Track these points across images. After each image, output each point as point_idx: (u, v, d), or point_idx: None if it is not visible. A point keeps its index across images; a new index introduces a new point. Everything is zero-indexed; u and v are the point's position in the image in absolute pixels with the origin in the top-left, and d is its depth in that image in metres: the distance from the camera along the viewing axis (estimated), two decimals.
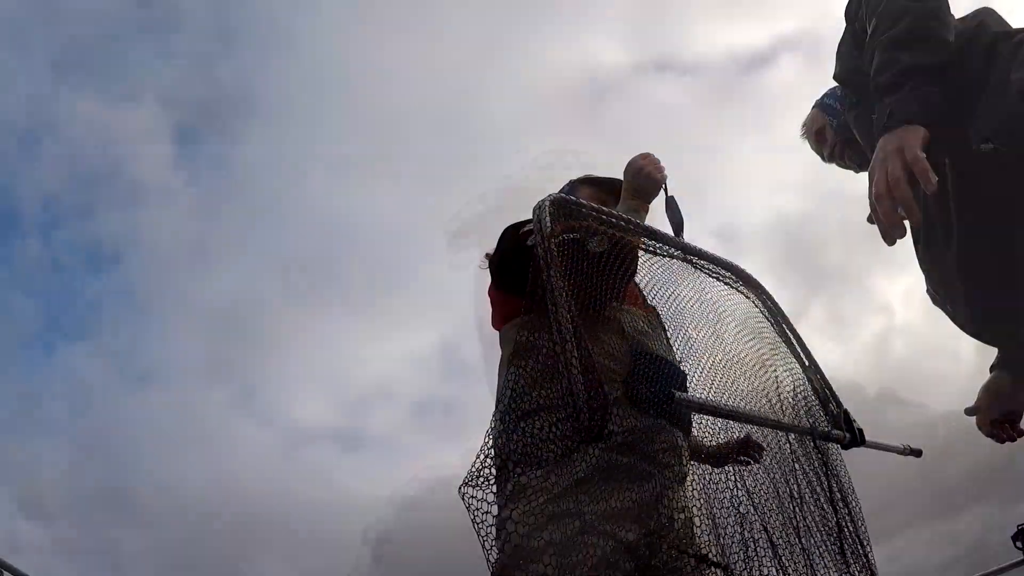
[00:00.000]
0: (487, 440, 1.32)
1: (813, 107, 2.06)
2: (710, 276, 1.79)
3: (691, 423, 1.54)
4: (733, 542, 1.54)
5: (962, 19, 1.56)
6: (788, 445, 1.78)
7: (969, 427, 1.95)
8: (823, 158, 2.04)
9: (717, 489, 1.58)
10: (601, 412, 1.21)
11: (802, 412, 1.89)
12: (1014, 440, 1.88)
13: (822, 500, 1.78)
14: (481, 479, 1.25)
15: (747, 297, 1.91)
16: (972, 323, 1.62)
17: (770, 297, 1.96)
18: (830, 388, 2.06)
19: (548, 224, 1.33)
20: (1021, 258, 1.38)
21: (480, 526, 1.21)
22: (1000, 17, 1.57)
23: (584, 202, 1.45)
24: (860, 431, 2.07)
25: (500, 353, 1.88)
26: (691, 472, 1.58)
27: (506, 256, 1.89)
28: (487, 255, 2.04)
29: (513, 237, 1.88)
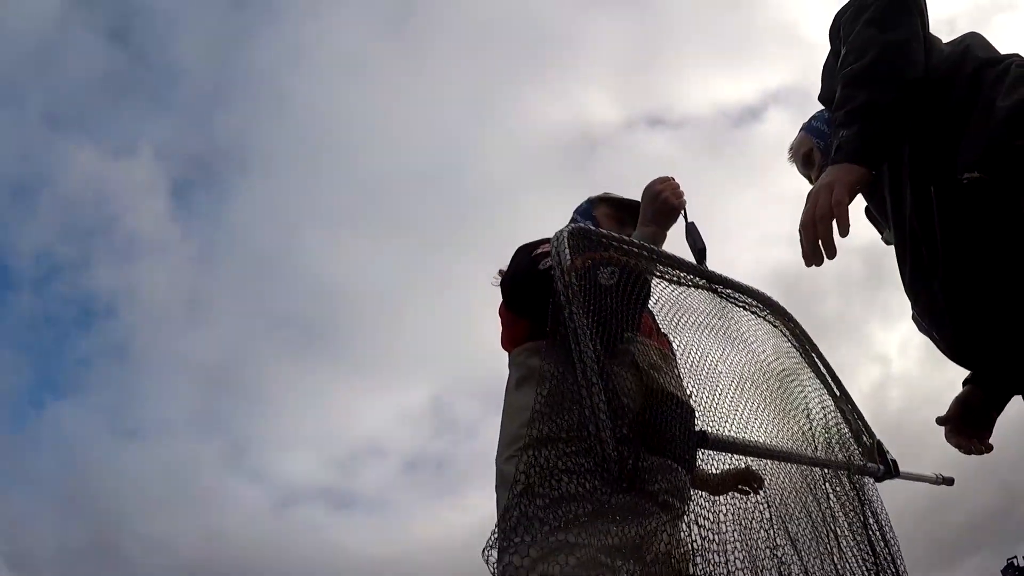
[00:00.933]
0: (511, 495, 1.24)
1: (800, 130, 2.04)
2: (735, 304, 1.71)
3: (696, 461, 1.47)
4: None
5: (949, 43, 1.53)
6: (823, 481, 1.69)
7: (966, 478, 1.92)
8: (810, 181, 2.00)
9: (753, 530, 1.49)
10: (633, 460, 1.14)
11: (835, 445, 1.81)
12: (980, 453, 1.89)
13: (860, 538, 1.69)
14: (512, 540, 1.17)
15: (775, 326, 1.83)
16: (954, 349, 1.62)
17: (798, 326, 1.88)
18: (862, 419, 1.98)
19: (567, 257, 1.27)
20: (1004, 288, 1.37)
21: None
22: (986, 42, 1.53)
23: (604, 232, 1.38)
24: (894, 462, 1.98)
25: (507, 375, 1.81)
26: (713, 510, 1.50)
27: (517, 277, 1.83)
28: (500, 271, 1.98)
29: (525, 257, 1.82)
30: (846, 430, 1.91)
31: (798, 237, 1.38)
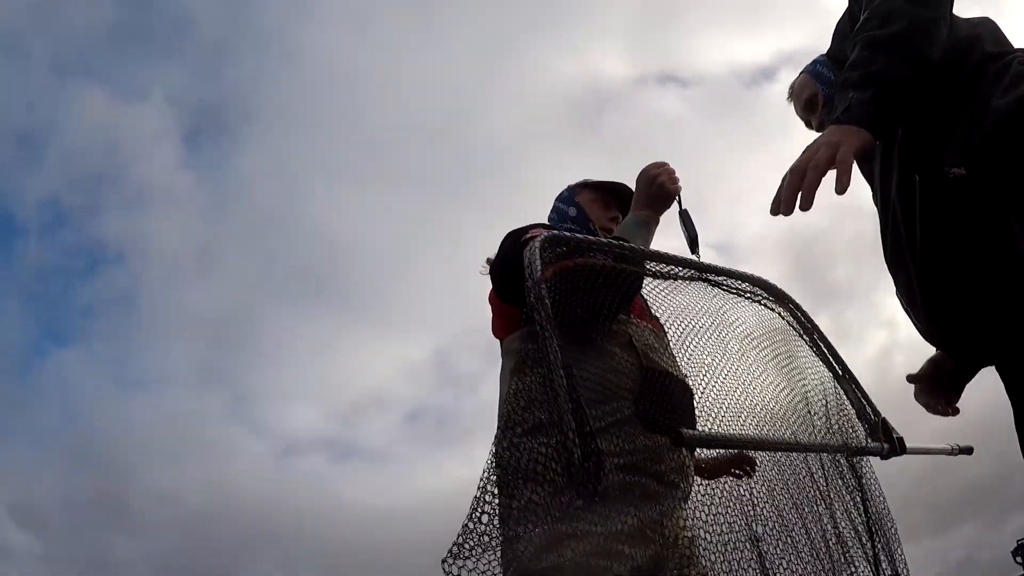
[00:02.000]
0: (480, 497, 1.25)
1: (802, 72, 1.98)
2: (729, 292, 1.69)
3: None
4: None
5: (965, 24, 1.47)
6: (818, 467, 1.69)
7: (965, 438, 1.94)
8: (808, 125, 1.97)
9: (734, 522, 1.50)
10: (595, 472, 1.15)
11: (835, 428, 1.79)
12: (946, 415, 1.92)
13: (857, 525, 1.69)
14: (472, 548, 1.19)
15: (772, 310, 1.81)
16: (927, 332, 1.65)
17: (799, 307, 1.85)
18: (867, 397, 1.95)
19: (539, 268, 1.26)
20: (975, 284, 1.37)
21: None
22: (998, 33, 1.48)
23: (579, 237, 1.37)
24: (900, 440, 1.95)
25: (501, 363, 1.83)
26: (697, 493, 1.51)
27: (507, 264, 1.81)
28: (488, 260, 1.98)
29: (512, 244, 1.81)
30: (849, 410, 1.89)
31: (780, 181, 1.34)
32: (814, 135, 1.81)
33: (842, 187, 1.25)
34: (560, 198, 2.13)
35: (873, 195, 1.69)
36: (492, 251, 1.94)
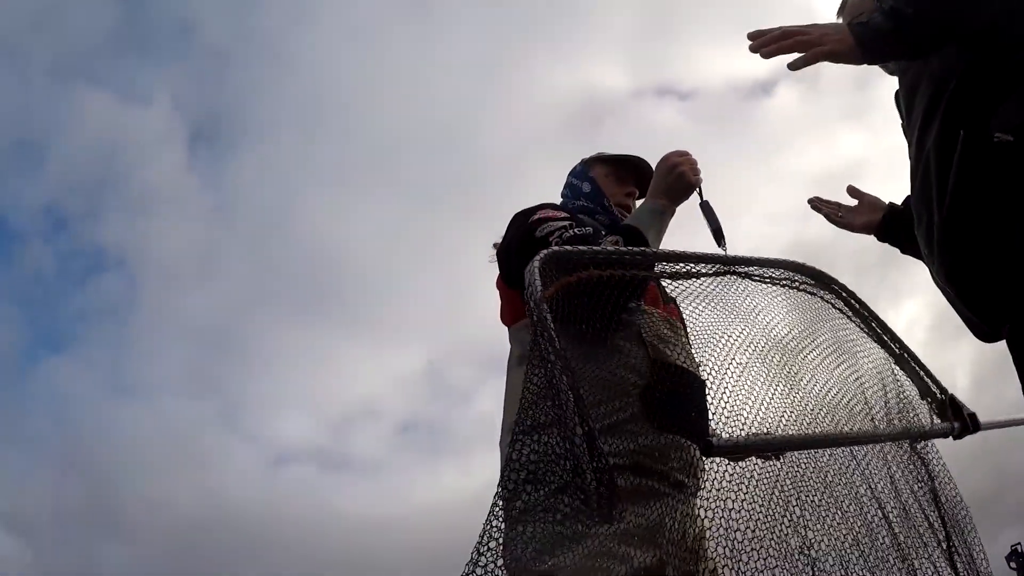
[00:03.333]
0: (491, 525, 1.21)
1: None
2: (761, 282, 1.60)
3: (708, 433, 1.39)
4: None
5: None
6: (878, 460, 1.58)
7: (957, 456, 1.79)
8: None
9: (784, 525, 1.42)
10: (609, 497, 1.10)
11: (894, 414, 1.68)
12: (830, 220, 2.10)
13: (927, 515, 1.58)
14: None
15: (814, 295, 1.70)
16: (939, 275, 1.63)
17: (844, 288, 1.73)
18: (931, 375, 1.82)
19: (539, 288, 1.21)
20: (998, 245, 1.39)
21: None
22: None
23: (583, 249, 1.31)
24: (972, 416, 1.82)
25: (509, 349, 1.77)
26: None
27: (513, 247, 1.74)
28: (495, 245, 1.88)
29: (522, 226, 1.73)
30: (910, 391, 1.77)
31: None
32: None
33: (794, 67, 1.48)
34: (573, 172, 2.02)
35: (908, 136, 1.67)
36: (485, 262, 1.89)
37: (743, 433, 1.33)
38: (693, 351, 1.51)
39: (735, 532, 1.26)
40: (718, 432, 1.28)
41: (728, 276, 1.53)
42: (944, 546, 1.58)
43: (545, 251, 1.27)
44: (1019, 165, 1.30)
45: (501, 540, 1.15)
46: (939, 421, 1.75)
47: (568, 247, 1.31)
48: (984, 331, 1.57)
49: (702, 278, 1.49)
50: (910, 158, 1.63)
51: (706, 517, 1.25)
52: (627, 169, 1.95)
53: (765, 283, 1.60)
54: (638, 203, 1.90)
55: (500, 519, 1.20)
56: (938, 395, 1.80)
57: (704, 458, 1.32)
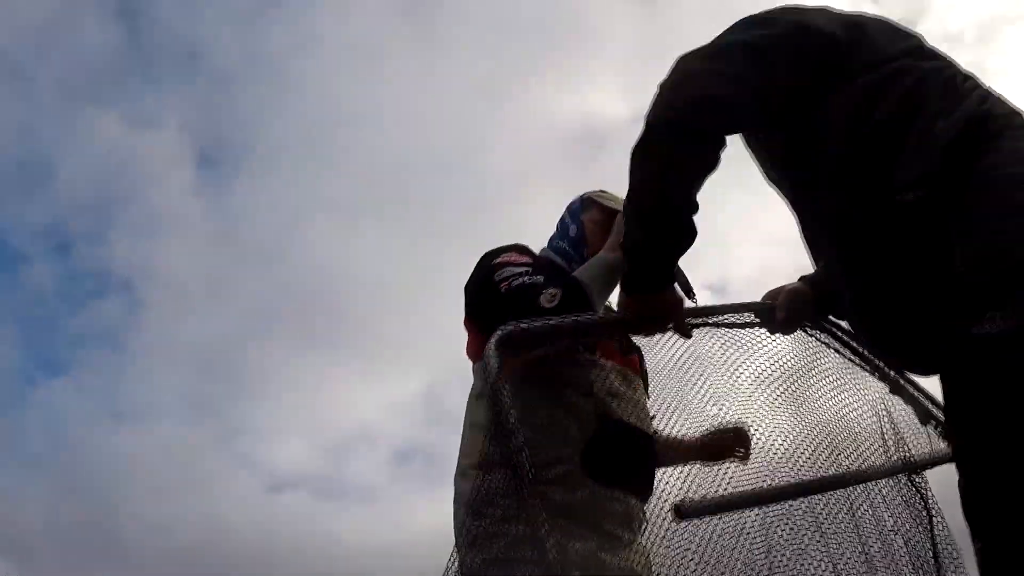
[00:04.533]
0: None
1: None
2: (735, 328, 1.63)
3: (652, 486, 1.43)
4: None
5: (887, 37, 1.38)
6: (866, 499, 1.58)
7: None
8: None
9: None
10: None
11: (891, 447, 1.67)
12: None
13: (923, 553, 1.56)
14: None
15: (804, 332, 1.71)
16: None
17: (831, 321, 1.74)
18: (931, 398, 1.80)
19: (496, 368, 1.29)
20: (915, 304, 1.31)
21: None
22: (918, 44, 1.40)
23: (538, 326, 1.38)
24: None
25: (472, 384, 1.82)
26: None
27: (471, 288, 1.81)
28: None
29: (482, 268, 1.79)
30: (908, 420, 1.75)
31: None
32: None
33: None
34: (570, 208, 2.00)
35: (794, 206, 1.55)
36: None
37: (716, 493, 1.37)
38: (648, 404, 1.55)
39: None
40: (687, 496, 1.33)
41: (699, 328, 1.57)
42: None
43: (499, 333, 1.35)
44: (924, 222, 1.24)
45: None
46: (943, 445, 1.73)
47: (517, 326, 1.36)
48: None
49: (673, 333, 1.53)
50: (806, 237, 1.54)
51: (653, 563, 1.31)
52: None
53: (743, 328, 1.63)
54: None
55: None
56: (940, 418, 1.78)
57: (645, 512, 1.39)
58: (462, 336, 1.88)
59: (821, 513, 1.50)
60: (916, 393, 1.79)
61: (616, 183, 2.05)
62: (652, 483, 1.40)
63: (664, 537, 1.31)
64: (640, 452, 1.38)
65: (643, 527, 1.43)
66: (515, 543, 1.35)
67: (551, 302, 1.53)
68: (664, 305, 1.45)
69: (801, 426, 1.57)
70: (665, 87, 1.38)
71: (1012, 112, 1.29)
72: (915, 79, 1.30)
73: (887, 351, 1.52)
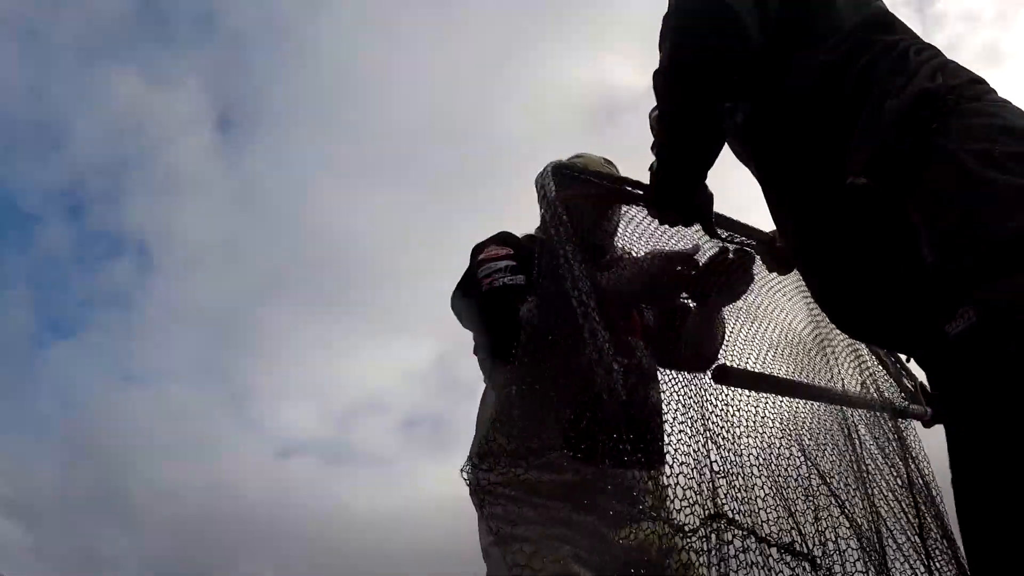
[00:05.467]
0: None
1: None
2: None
3: (662, 456, 1.34)
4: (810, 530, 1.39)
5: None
6: (859, 423, 1.60)
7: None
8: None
9: (782, 467, 1.42)
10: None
11: (871, 390, 1.72)
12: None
13: (901, 491, 1.58)
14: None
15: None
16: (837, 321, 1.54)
17: None
18: (901, 362, 1.88)
19: (552, 189, 1.26)
20: (883, 288, 1.26)
21: None
22: (885, 15, 1.35)
23: (588, 169, 1.37)
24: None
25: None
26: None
27: (459, 285, 1.78)
28: None
29: (471, 260, 1.77)
30: (884, 375, 1.82)
31: None
32: None
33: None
34: (544, 191, 2.02)
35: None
36: None
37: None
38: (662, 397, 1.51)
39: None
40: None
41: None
42: (917, 531, 1.58)
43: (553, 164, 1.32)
44: (880, 204, 1.18)
45: None
46: (914, 405, 1.79)
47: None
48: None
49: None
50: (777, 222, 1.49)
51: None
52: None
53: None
54: None
55: None
56: (908, 384, 1.86)
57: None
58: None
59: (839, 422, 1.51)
60: (890, 357, 1.86)
61: (631, 153, 2.04)
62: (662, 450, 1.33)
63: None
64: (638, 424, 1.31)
65: (645, 496, 1.34)
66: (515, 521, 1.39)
67: (530, 315, 1.46)
68: (696, 208, 1.44)
69: (812, 346, 1.59)
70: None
71: (968, 82, 1.21)
72: (868, 58, 1.25)
73: (859, 338, 1.53)
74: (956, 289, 1.06)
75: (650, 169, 1.49)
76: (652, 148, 1.49)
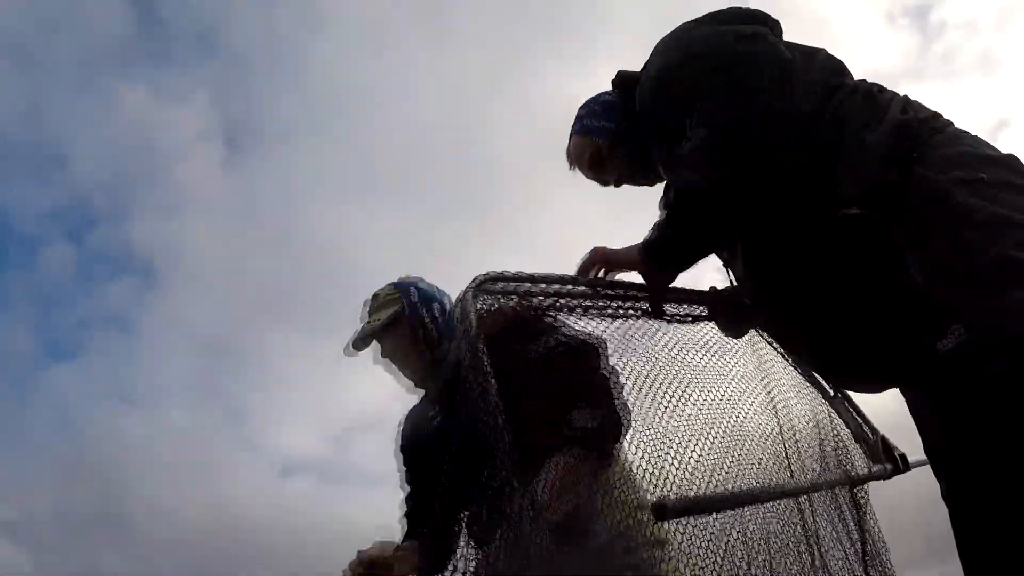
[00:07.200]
0: None
1: (572, 135, 1.69)
2: (695, 322, 1.57)
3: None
4: None
5: (806, 60, 1.38)
6: (816, 505, 1.54)
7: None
8: (605, 184, 1.70)
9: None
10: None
11: (830, 457, 1.65)
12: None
13: (854, 557, 1.54)
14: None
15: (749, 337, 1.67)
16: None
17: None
18: (862, 415, 1.82)
19: (473, 323, 1.15)
20: (874, 315, 1.32)
21: None
22: (835, 62, 1.40)
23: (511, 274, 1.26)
24: (902, 456, 1.82)
25: None
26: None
27: None
28: None
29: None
30: (845, 434, 1.76)
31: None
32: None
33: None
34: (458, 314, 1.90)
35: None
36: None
37: (692, 493, 1.26)
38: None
39: None
40: (667, 495, 1.21)
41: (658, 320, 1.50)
42: None
43: (476, 282, 1.21)
44: (870, 232, 1.25)
45: None
46: (873, 464, 1.74)
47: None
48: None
49: (628, 319, 1.45)
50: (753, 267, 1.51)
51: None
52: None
53: (694, 323, 1.57)
54: None
55: None
56: (870, 437, 1.80)
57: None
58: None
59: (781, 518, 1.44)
60: (850, 408, 1.80)
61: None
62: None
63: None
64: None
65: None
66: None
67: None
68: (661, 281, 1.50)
69: (772, 426, 1.51)
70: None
71: (932, 116, 1.30)
72: (839, 98, 1.31)
73: (846, 374, 1.50)
74: (946, 309, 1.14)
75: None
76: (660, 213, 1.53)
